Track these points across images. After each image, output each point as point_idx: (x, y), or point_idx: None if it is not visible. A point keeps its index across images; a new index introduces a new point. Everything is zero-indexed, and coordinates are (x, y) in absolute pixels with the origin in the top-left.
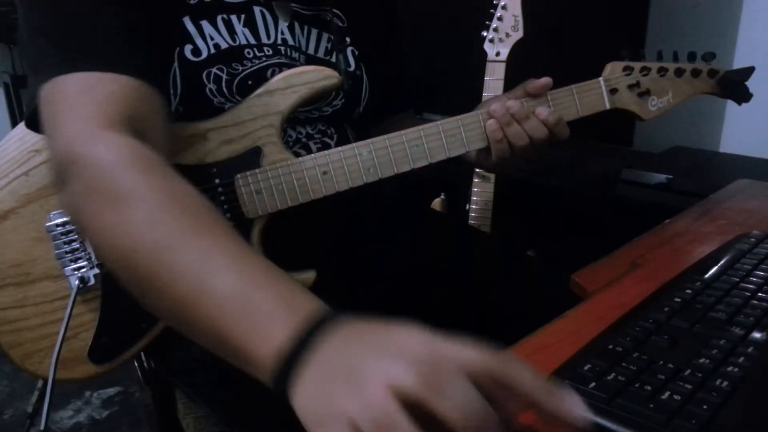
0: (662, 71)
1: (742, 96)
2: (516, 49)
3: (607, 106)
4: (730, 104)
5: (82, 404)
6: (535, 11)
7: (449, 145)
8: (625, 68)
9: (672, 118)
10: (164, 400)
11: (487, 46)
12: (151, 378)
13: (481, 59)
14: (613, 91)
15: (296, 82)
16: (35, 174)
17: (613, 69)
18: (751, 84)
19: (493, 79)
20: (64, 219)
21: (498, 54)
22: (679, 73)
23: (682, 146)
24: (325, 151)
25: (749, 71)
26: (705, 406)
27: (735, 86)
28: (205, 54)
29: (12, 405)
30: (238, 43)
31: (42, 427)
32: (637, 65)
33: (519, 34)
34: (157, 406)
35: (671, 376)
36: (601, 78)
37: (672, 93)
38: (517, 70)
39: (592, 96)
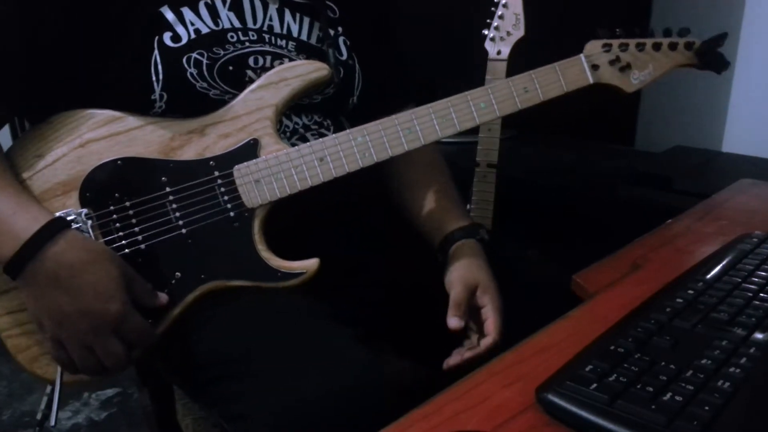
0: (640, 46)
1: (720, 65)
2: (517, 48)
3: (591, 81)
4: (732, 104)
5: (81, 405)
6: (537, 10)
7: (441, 126)
8: (604, 45)
9: (674, 118)
10: (163, 401)
11: (488, 44)
12: (149, 379)
13: (482, 58)
14: (594, 67)
15: (288, 75)
16: (39, 178)
17: (592, 46)
18: (753, 83)
19: (494, 78)
20: (69, 218)
21: (499, 53)
22: (656, 47)
23: (683, 146)
24: (321, 139)
25: (723, 37)
26: (707, 407)
27: (711, 56)
28: (185, 40)
29: (11, 406)
30: (221, 27)
31: (53, 423)
32: (616, 42)
33: (520, 33)
34: (155, 407)
35: (673, 377)
36: (582, 54)
37: (652, 66)
38: (519, 69)
39: (575, 71)
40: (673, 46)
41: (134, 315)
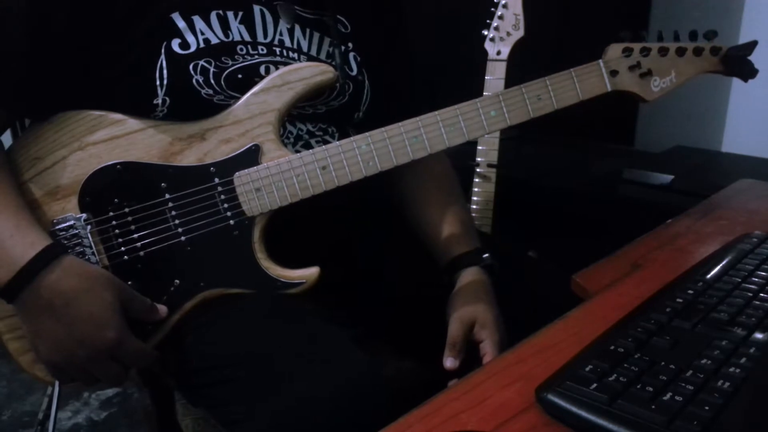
0: (663, 51)
1: (747, 72)
2: (517, 48)
3: (609, 89)
4: (732, 104)
5: (81, 405)
6: (537, 10)
7: (448, 135)
8: (625, 49)
9: (674, 118)
10: (163, 401)
11: (487, 44)
12: (149, 379)
13: (481, 58)
14: (613, 73)
15: (292, 79)
16: (37, 181)
17: (613, 51)
18: (754, 83)
19: (494, 78)
20: (68, 224)
21: (499, 53)
22: (680, 52)
23: (683, 146)
24: (324, 146)
25: (752, 45)
26: (707, 407)
27: (739, 63)
28: (193, 48)
29: (10, 406)
30: (231, 39)
31: (52, 425)
32: (637, 46)
33: (520, 33)
34: (155, 407)
35: (673, 377)
36: (600, 60)
37: (675, 73)
38: (518, 69)
39: (592, 78)
40: (698, 52)
41: (130, 339)
